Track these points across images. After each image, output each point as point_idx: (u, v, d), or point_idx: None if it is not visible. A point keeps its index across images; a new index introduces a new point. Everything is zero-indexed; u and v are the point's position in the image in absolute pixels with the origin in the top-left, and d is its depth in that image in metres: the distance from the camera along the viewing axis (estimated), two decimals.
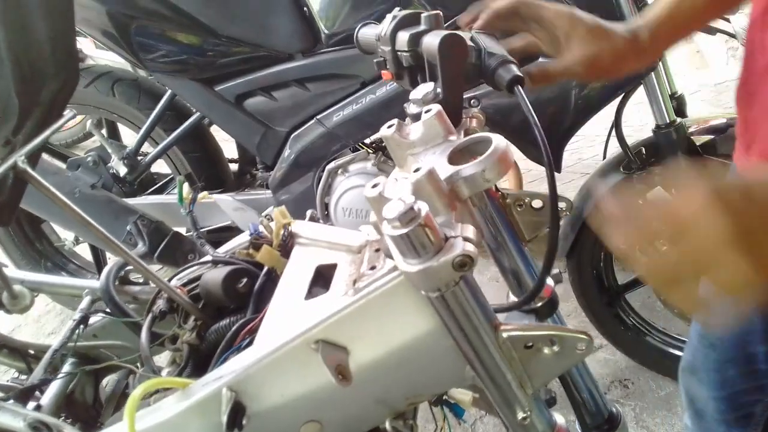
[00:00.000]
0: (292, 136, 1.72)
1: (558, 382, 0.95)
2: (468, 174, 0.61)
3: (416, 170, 0.60)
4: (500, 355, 0.67)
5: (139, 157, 1.92)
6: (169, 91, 1.85)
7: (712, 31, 1.61)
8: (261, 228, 0.92)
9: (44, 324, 2.46)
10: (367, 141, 1.75)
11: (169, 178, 2.08)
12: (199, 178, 1.93)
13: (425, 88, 0.74)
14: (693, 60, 3.41)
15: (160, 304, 0.93)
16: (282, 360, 0.72)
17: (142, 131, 1.88)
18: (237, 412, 0.71)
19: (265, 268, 0.91)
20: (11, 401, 0.88)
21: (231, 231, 1.87)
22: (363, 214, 1.64)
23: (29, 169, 0.81)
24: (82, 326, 1.01)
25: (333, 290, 0.76)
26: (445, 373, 0.75)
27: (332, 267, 0.81)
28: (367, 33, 0.87)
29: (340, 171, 1.69)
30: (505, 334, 0.67)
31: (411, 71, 0.82)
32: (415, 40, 0.77)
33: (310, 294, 0.78)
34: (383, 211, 0.57)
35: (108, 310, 1.05)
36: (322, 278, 0.81)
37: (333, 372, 0.69)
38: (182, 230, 1.78)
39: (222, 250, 0.98)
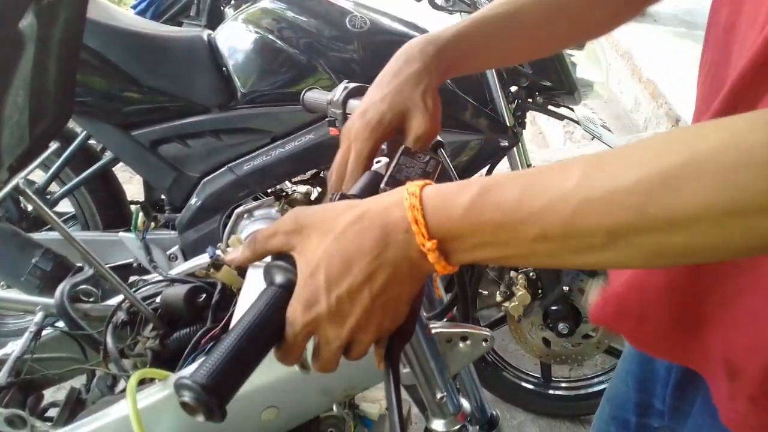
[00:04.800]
0: (203, 181, 1.86)
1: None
2: None
3: None
4: (428, 347, 0.89)
5: (48, 195, 1.97)
6: (83, 133, 1.93)
7: (559, 117, 1.99)
8: (218, 252, 1.08)
9: None
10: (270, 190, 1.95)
11: (69, 215, 2.13)
12: (103, 217, 2.00)
13: None
14: (536, 139, 3.94)
15: (121, 315, 1.06)
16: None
17: (52, 170, 1.93)
18: None
19: (219, 286, 1.07)
20: None
21: (130, 268, 1.95)
22: None
23: (28, 190, 0.94)
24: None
25: None
26: (373, 369, 0.94)
27: None
28: (314, 96, 1.04)
29: (246, 215, 1.85)
30: (433, 331, 0.89)
31: None
32: None
33: None
34: None
35: (55, 325, 1.15)
36: None
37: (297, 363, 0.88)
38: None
39: (177, 270, 1.13)
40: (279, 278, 0.56)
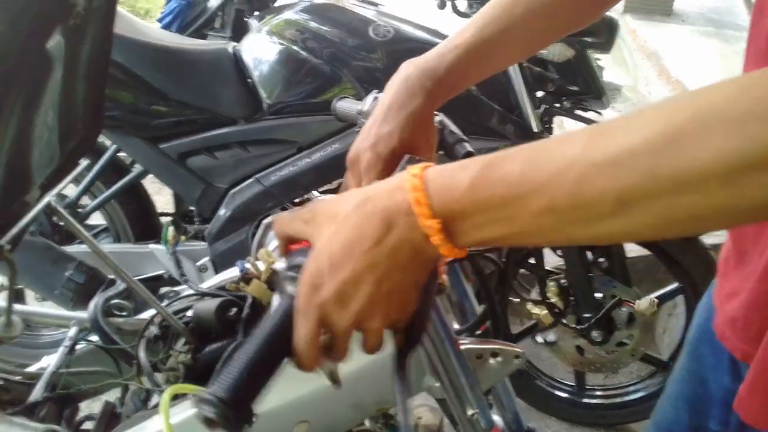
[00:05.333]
0: (231, 192, 1.87)
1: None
2: None
3: None
4: (458, 363, 0.88)
5: (79, 209, 2.00)
6: (113, 147, 1.96)
7: (587, 121, 1.96)
8: (248, 266, 1.08)
9: None
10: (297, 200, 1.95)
11: (102, 228, 2.16)
12: (134, 229, 2.03)
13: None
14: None
15: (153, 329, 1.06)
16: (283, 369, 0.88)
17: (83, 183, 1.96)
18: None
19: (249, 299, 1.07)
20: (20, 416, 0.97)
21: (161, 280, 1.96)
22: None
23: (59, 207, 0.95)
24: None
25: None
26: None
27: None
28: (345, 105, 1.04)
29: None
30: (462, 347, 0.88)
31: None
32: None
33: None
34: None
35: (89, 339, 1.17)
36: None
37: (328, 376, 0.87)
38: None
39: (207, 284, 1.13)
40: (290, 288, 0.57)
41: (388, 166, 0.75)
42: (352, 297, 0.52)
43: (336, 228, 0.52)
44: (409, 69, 0.79)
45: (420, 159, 0.72)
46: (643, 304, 1.82)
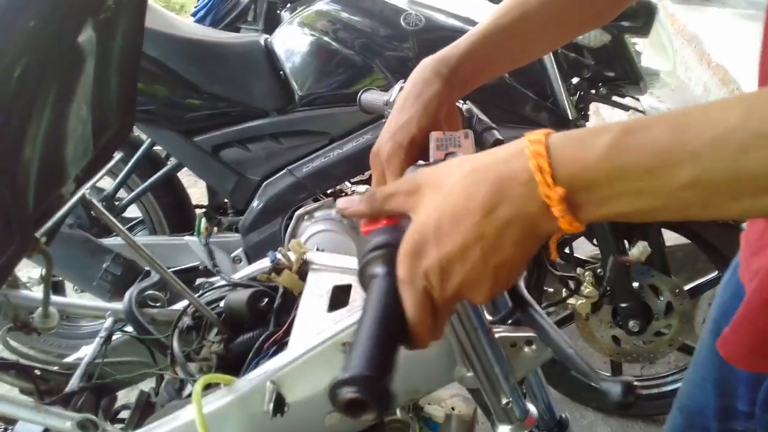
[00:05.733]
0: (263, 184, 1.88)
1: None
2: None
3: None
4: (492, 351, 0.87)
5: (116, 202, 2.04)
6: (148, 140, 1.99)
7: (625, 108, 1.93)
8: (279, 256, 1.08)
9: None
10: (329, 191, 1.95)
11: (138, 220, 2.20)
12: (170, 221, 2.06)
13: None
14: None
15: (186, 320, 1.07)
16: (315, 359, 0.89)
17: (120, 177, 1.99)
18: (279, 401, 0.87)
19: (281, 290, 1.07)
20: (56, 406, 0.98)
21: (196, 270, 1.99)
22: None
23: (94, 200, 0.96)
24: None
25: (352, 304, 0.95)
26: (437, 373, 0.94)
27: (347, 287, 0.99)
28: (371, 97, 1.04)
29: (306, 217, 1.86)
30: (496, 335, 0.87)
31: None
32: None
33: (332, 308, 0.96)
34: None
35: (124, 330, 1.19)
36: (339, 296, 0.99)
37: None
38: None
39: (239, 275, 1.14)
40: (378, 269, 0.54)
41: (409, 154, 0.73)
42: (456, 270, 0.49)
43: (442, 198, 0.49)
44: (426, 60, 0.79)
45: (445, 132, 0.72)
46: (635, 252, 1.78)
